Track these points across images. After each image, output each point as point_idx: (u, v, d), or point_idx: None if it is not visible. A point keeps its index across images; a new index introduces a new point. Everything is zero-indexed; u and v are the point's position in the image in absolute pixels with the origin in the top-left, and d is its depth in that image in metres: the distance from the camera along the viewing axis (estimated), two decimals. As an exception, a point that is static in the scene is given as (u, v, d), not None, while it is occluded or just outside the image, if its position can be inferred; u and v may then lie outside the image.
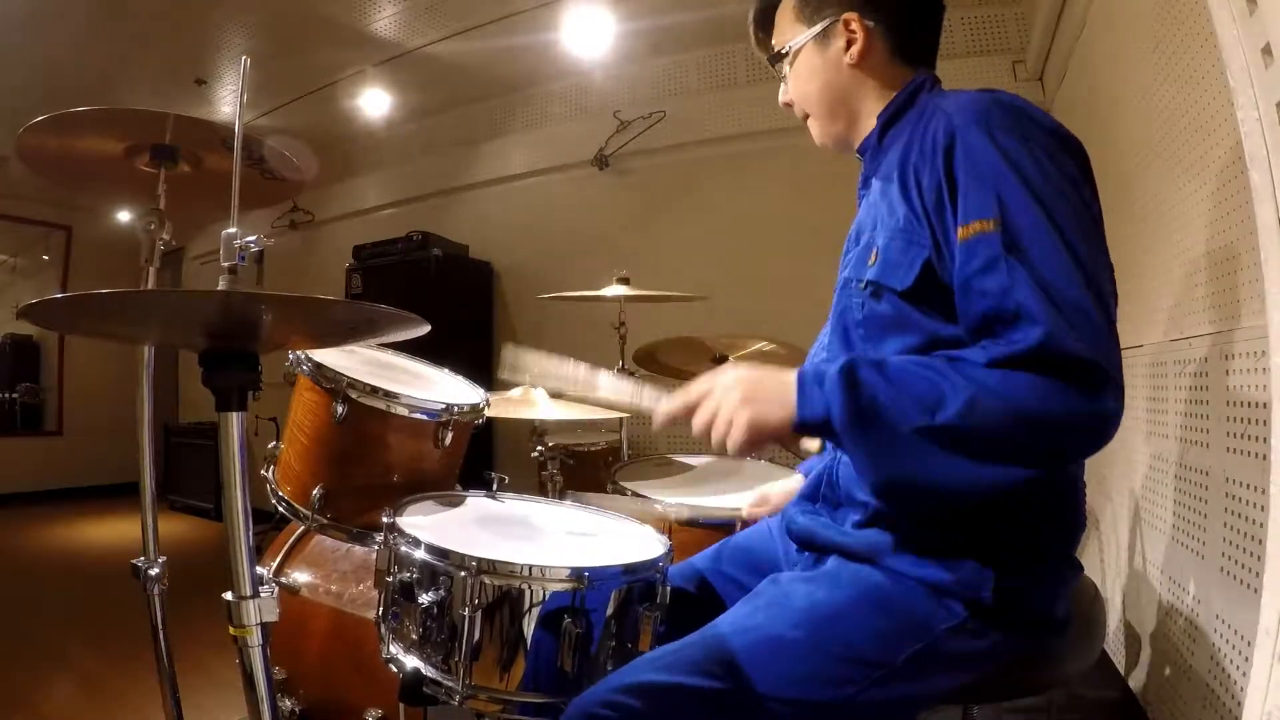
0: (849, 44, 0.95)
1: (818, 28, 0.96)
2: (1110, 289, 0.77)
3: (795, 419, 0.76)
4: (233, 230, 1.05)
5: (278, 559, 1.50)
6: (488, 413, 1.51)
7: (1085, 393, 0.70)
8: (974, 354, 0.75)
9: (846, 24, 0.94)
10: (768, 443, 0.78)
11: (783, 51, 1.01)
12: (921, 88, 0.95)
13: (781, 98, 1.05)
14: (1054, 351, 0.71)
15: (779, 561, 1.04)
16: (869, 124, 0.98)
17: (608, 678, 0.85)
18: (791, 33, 1.00)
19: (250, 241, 1.07)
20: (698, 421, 0.80)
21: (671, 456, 1.88)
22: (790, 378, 0.78)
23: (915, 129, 0.87)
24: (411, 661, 1.01)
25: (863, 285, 0.89)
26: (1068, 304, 0.72)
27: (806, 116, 1.04)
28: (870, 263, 0.89)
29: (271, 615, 0.85)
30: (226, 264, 1.05)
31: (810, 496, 0.99)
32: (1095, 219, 0.79)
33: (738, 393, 0.78)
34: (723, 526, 1.32)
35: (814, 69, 0.99)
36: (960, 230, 0.78)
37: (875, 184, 0.97)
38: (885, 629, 0.80)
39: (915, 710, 0.84)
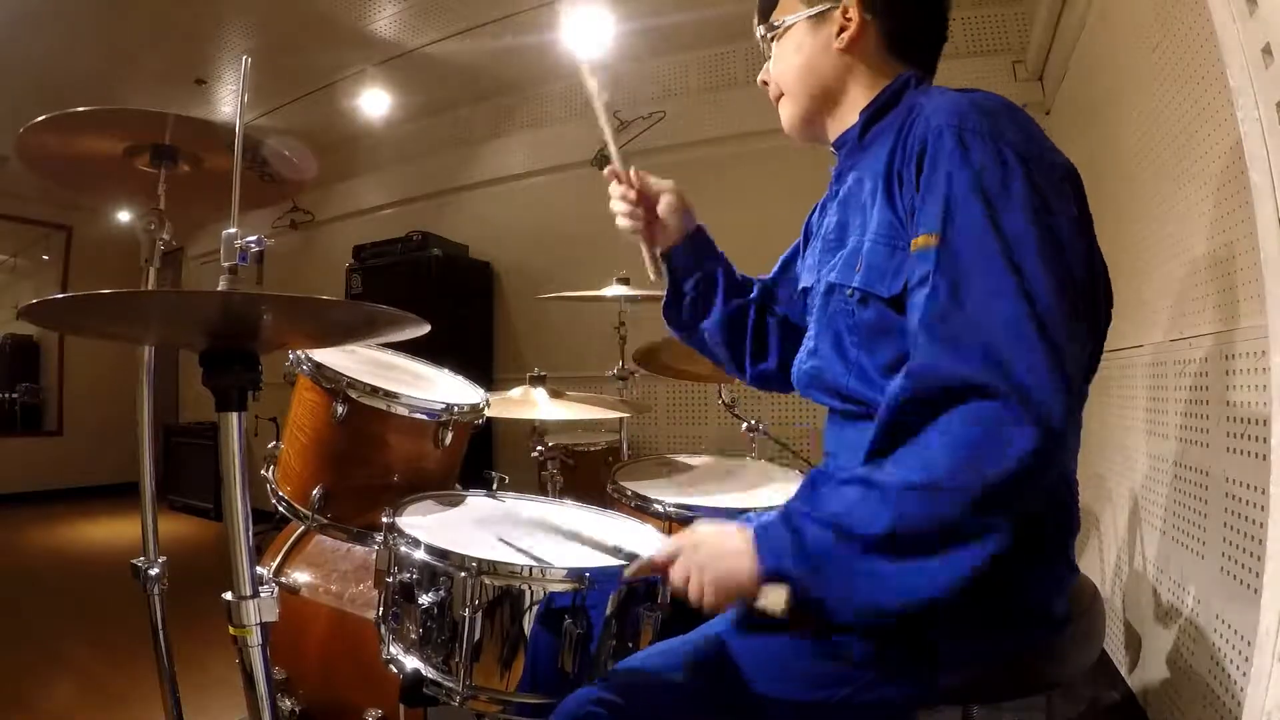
0: (841, 30, 0.94)
1: (815, 9, 0.96)
2: (1074, 307, 0.73)
3: (761, 572, 0.76)
4: (233, 230, 1.05)
5: (278, 559, 1.50)
6: (488, 413, 1.51)
7: (989, 422, 0.67)
8: (886, 464, 0.73)
9: (844, 10, 0.93)
10: (739, 597, 0.78)
11: (775, 24, 1.00)
12: (906, 85, 0.93)
13: (761, 75, 1.04)
14: (935, 375, 0.70)
15: None
16: (849, 116, 0.97)
17: (601, 677, 0.85)
18: (790, 10, 0.99)
19: (250, 241, 1.07)
20: (674, 580, 0.82)
21: (671, 456, 1.88)
22: (748, 539, 0.78)
23: (901, 130, 0.86)
24: (412, 662, 1.01)
25: (850, 292, 0.88)
26: (987, 324, 0.69)
27: (779, 98, 1.02)
28: (857, 269, 0.87)
29: (271, 615, 0.85)
30: (226, 264, 1.04)
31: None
32: (1063, 235, 0.74)
33: (702, 554, 0.79)
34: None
35: (799, 47, 0.97)
36: (913, 242, 0.78)
37: (851, 179, 0.95)
38: (881, 628, 0.80)
39: (913, 710, 0.84)
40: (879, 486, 0.71)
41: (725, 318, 1.16)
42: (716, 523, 0.83)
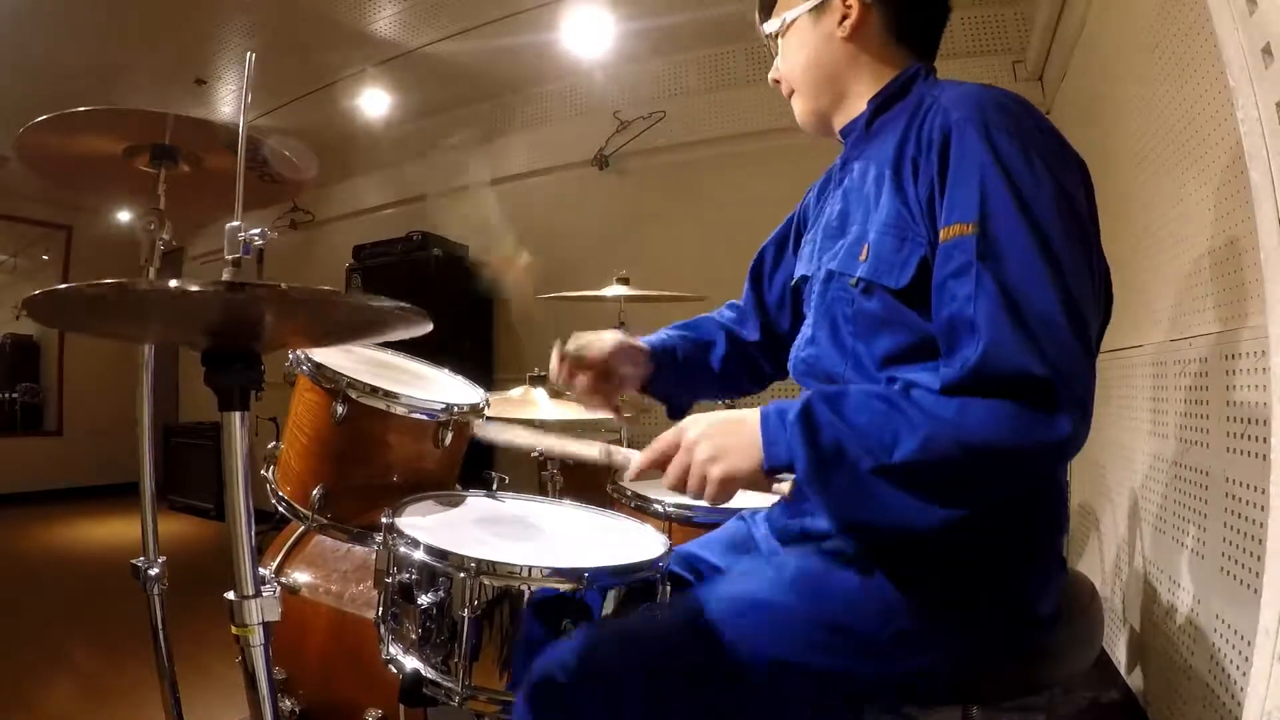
0: (843, 18, 0.94)
1: (815, 0, 0.96)
2: (1097, 298, 0.77)
3: (764, 465, 0.76)
4: (236, 224, 1.05)
5: (278, 559, 1.50)
6: (488, 413, 1.51)
7: (1037, 414, 0.69)
8: (929, 379, 0.75)
9: None
10: (744, 489, 0.78)
11: (778, 21, 1.00)
12: (916, 76, 0.94)
13: (771, 74, 1.05)
14: (996, 368, 0.70)
15: (757, 541, 1.05)
16: (857, 105, 0.97)
17: (583, 630, 0.85)
18: (791, 5, 0.99)
19: (254, 234, 1.07)
20: (670, 477, 0.80)
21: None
22: (754, 424, 0.77)
23: (912, 121, 0.86)
24: (411, 663, 1.01)
25: (854, 281, 0.87)
26: (1034, 315, 0.70)
27: (791, 94, 1.03)
28: (861, 258, 0.87)
29: (273, 615, 0.85)
30: (230, 256, 1.04)
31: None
32: (1087, 228, 0.77)
33: (706, 447, 0.77)
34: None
35: (804, 41, 0.98)
36: (942, 231, 0.78)
37: (857, 169, 0.95)
38: (872, 605, 0.80)
39: (901, 692, 0.84)
40: (910, 412, 0.72)
41: (723, 383, 1.21)
42: (716, 415, 0.81)
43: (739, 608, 0.81)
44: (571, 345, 1.09)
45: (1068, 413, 0.69)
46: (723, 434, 0.78)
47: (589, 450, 0.87)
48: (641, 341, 1.14)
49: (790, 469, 0.74)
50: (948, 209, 0.78)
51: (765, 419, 0.77)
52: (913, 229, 0.82)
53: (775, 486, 0.75)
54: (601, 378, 1.10)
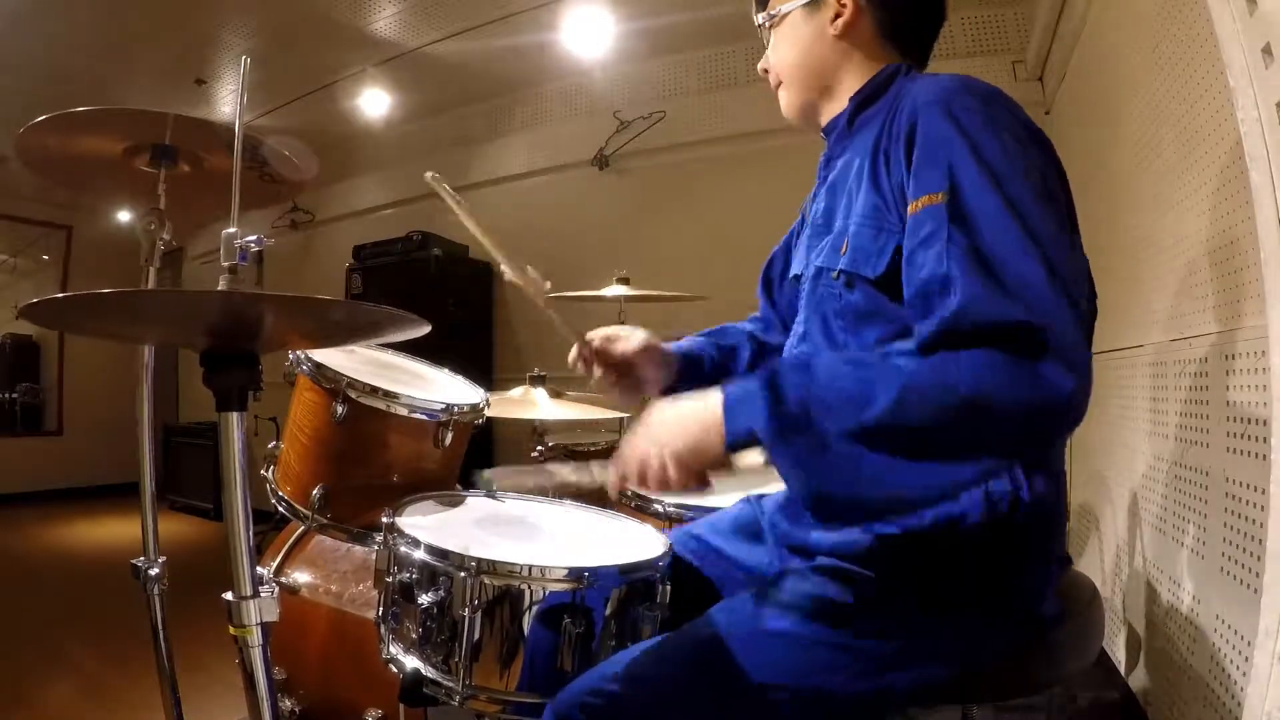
0: (836, 16, 0.94)
1: None
2: (1084, 275, 0.75)
3: (726, 439, 0.71)
4: (233, 230, 1.05)
5: (278, 559, 1.50)
6: (488, 413, 1.51)
7: (1021, 361, 0.64)
8: (906, 343, 0.72)
9: None
10: (709, 470, 0.74)
11: (772, 12, 1.00)
12: (897, 73, 0.94)
13: (761, 64, 1.05)
14: (973, 319, 0.66)
15: (764, 530, 1.04)
16: (842, 101, 0.97)
17: (599, 667, 0.85)
18: None
19: (251, 241, 1.07)
20: (627, 464, 0.76)
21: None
22: (715, 399, 0.74)
23: (889, 115, 0.86)
24: (411, 662, 1.01)
25: (836, 275, 0.87)
26: (1009, 270, 0.67)
27: (779, 85, 1.03)
28: (843, 251, 0.87)
29: (271, 615, 0.85)
30: (227, 264, 1.04)
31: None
32: (1061, 205, 0.76)
33: (661, 432, 0.75)
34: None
35: (797, 35, 0.98)
36: (910, 205, 0.76)
37: (839, 165, 0.96)
38: (872, 618, 0.80)
39: (907, 702, 0.84)
40: (884, 368, 0.68)
41: None
42: (681, 399, 0.78)
43: (748, 638, 0.81)
44: (596, 335, 1.09)
45: (1058, 362, 0.63)
46: (677, 417, 0.75)
47: (583, 476, 0.88)
48: (669, 346, 1.12)
49: (753, 441, 0.70)
50: (915, 186, 0.77)
51: (726, 393, 0.73)
52: (888, 219, 0.82)
53: (742, 462, 0.70)
54: (622, 374, 1.09)
